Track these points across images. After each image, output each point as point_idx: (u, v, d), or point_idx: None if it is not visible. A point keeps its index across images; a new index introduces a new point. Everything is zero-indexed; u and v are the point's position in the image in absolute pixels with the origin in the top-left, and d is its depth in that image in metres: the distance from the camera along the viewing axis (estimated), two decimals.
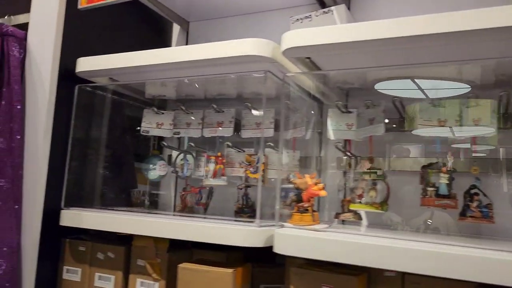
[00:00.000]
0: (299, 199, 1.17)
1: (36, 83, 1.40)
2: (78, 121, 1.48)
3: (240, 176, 1.56)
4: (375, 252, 0.92)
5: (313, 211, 1.16)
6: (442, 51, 1.04)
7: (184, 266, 1.15)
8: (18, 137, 1.32)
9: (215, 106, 1.55)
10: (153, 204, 1.77)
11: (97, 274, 1.35)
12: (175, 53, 1.30)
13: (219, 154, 1.54)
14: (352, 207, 1.25)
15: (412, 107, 1.26)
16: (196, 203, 1.60)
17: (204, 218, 1.31)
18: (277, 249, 1.04)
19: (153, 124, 1.66)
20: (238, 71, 1.28)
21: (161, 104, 1.76)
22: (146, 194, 1.74)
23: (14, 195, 1.29)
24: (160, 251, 1.27)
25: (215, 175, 1.53)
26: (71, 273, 1.39)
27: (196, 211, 1.66)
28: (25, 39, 1.43)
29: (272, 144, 1.41)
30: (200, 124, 1.61)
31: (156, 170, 1.65)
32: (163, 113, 1.67)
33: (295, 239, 1.04)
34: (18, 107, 1.33)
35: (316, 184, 1.17)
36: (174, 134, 1.65)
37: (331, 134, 1.39)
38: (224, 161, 1.52)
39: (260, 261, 1.29)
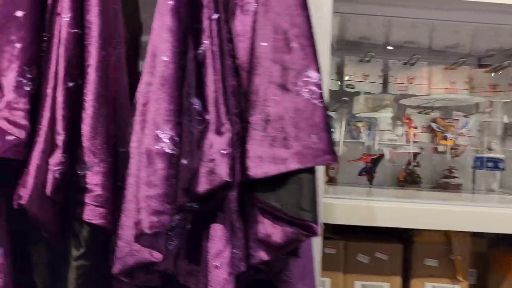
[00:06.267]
0: None
1: None
2: None
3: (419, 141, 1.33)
4: None
5: None
6: None
7: None
8: None
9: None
10: None
11: (358, 284, 1.08)
12: None
13: (410, 116, 1.34)
14: None
15: None
16: (360, 173, 1.33)
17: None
18: None
19: (358, 76, 1.30)
20: None
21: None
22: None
23: None
24: (460, 246, 1.03)
25: (408, 141, 1.33)
26: None
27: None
28: None
29: None
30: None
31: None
32: (368, 61, 1.29)
33: None
34: None
35: None
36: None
37: None
38: (413, 125, 1.31)
39: None
